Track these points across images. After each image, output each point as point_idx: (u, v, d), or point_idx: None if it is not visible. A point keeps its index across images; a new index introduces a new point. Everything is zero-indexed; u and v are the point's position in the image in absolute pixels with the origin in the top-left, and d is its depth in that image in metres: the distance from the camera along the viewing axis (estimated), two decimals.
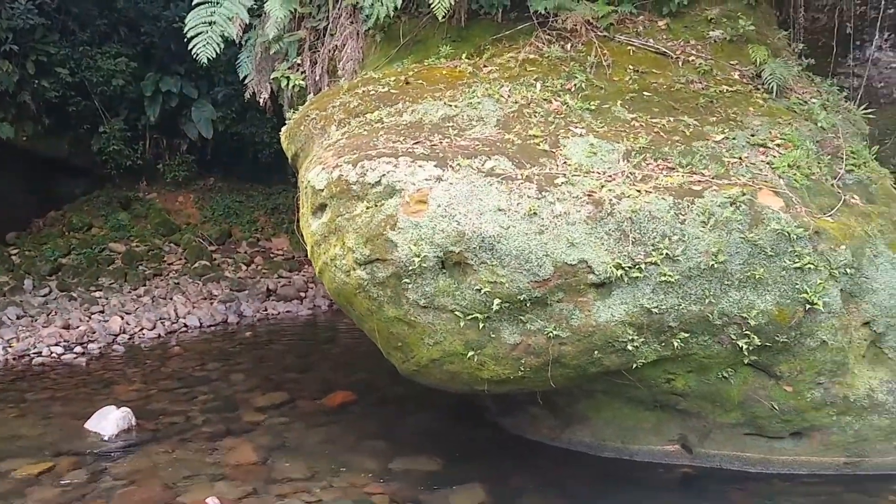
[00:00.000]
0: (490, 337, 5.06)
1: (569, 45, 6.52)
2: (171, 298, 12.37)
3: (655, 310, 4.96)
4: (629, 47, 6.57)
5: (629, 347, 5.07)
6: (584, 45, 6.50)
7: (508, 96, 5.98)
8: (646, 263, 4.91)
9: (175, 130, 15.42)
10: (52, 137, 13.90)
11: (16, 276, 12.27)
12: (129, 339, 10.78)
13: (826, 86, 6.78)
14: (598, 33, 6.58)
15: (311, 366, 9.38)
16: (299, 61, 7.93)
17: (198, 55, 7.19)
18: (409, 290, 5.01)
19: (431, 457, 6.11)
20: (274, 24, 7.47)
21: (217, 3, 7.33)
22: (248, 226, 15.58)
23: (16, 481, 5.81)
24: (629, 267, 4.90)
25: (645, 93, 6.16)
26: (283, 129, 6.89)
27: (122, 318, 11.19)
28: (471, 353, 5.11)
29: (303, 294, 13.46)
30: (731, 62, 6.58)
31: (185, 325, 11.62)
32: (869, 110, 6.78)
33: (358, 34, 7.32)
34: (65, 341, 10.17)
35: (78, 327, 10.62)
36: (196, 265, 13.81)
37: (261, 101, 8.56)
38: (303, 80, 7.83)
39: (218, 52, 7.26)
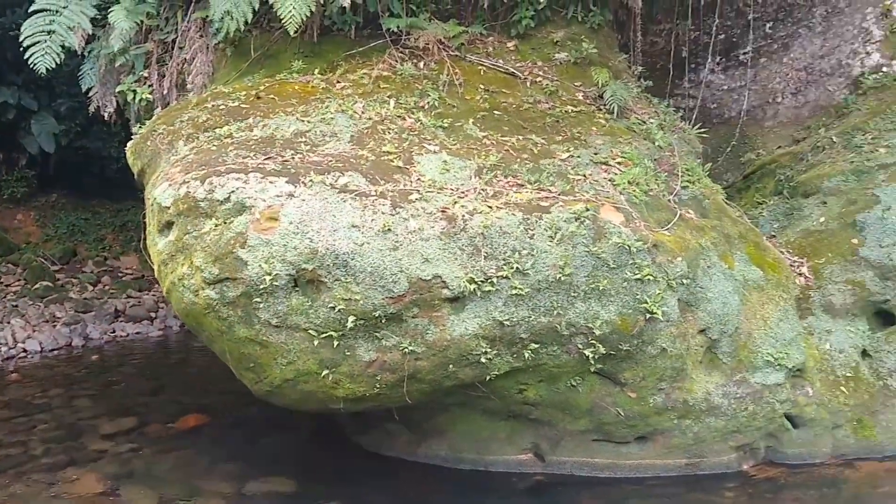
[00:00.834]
0: (345, 355, 5.03)
1: (422, 64, 6.62)
2: (9, 322, 11.54)
3: (507, 322, 5.09)
4: (480, 67, 6.75)
5: (483, 360, 5.17)
6: (437, 63, 6.62)
7: (362, 113, 6.00)
8: (497, 277, 5.03)
9: (13, 144, 14.45)
10: None
11: None
12: None
13: (663, 107, 7.21)
14: (451, 52, 6.72)
15: (162, 389, 9.01)
16: (146, 74, 7.64)
17: (35, 65, 6.83)
18: (260, 310, 4.92)
19: (287, 478, 5.98)
20: (119, 36, 7.17)
21: (57, 12, 6.99)
22: (95, 244, 14.81)
23: None
24: (482, 281, 5.00)
25: (495, 112, 6.33)
26: (129, 144, 6.61)
27: None
28: (325, 372, 5.07)
29: (153, 314, 12.92)
30: (576, 83, 6.88)
31: (25, 350, 10.85)
32: (702, 130, 7.27)
33: (208, 48, 7.15)
34: None
35: None
36: (37, 286, 12.96)
37: (106, 114, 8.19)
38: (150, 93, 7.56)
39: (58, 62, 6.92)
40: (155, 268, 5.54)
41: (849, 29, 8.09)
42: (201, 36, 7.20)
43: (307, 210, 4.89)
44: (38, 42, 6.84)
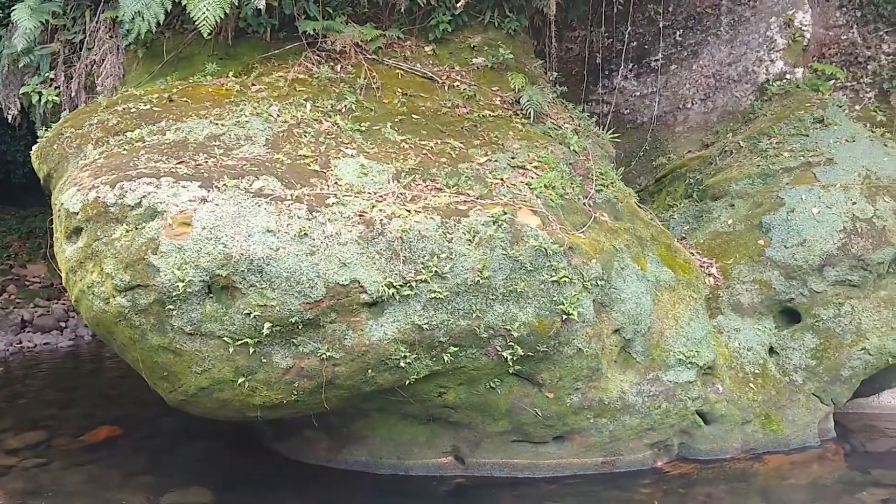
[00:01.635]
0: (261, 362, 4.96)
1: (339, 67, 6.59)
2: None
3: (426, 326, 5.09)
4: (398, 71, 6.75)
5: (402, 364, 5.17)
6: (354, 67, 6.60)
7: (278, 116, 5.92)
8: (416, 281, 5.04)
9: None
10: None
11: None
12: None
13: (578, 112, 7.35)
14: (368, 56, 6.71)
15: (72, 401, 8.68)
16: (53, 76, 7.39)
17: None
18: (173, 317, 4.80)
19: (204, 488, 5.85)
20: (23, 36, 6.93)
21: None
22: (0, 252, 14.26)
23: None
24: (400, 285, 5.00)
25: (413, 115, 6.34)
26: (35, 147, 6.37)
27: None
28: (241, 380, 4.98)
29: (63, 324, 12.46)
30: (493, 88, 6.95)
31: None
32: (616, 135, 7.44)
33: (118, 49, 6.95)
34: None
35: None
36: None
37: (10, 117, 7.89)
38: (57, 95, 7.31)
39: None
40: (63, 275, 5.35)
41: (754, 37, 8.40)
42: (111, 37, 7.00)
43: (220, 215, 4.80)
44: None
